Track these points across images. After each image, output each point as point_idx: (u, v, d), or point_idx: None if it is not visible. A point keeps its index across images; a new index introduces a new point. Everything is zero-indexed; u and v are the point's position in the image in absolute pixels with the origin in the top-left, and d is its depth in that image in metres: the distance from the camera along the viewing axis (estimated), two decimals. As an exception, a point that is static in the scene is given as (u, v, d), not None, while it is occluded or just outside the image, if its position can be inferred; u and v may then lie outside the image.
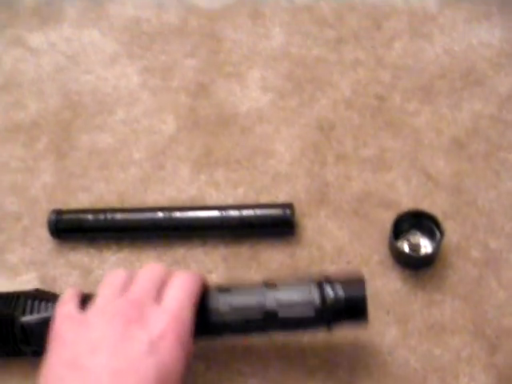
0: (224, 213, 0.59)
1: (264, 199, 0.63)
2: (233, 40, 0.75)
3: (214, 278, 0.59)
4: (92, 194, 0.66)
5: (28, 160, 0.70)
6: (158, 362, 0.38)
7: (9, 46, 0.81)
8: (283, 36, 0.75)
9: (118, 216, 0.61)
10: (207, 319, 0.45)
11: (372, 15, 0.76)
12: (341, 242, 0.59)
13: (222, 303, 0.46)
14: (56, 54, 0.78)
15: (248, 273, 0.58)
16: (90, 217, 0.62)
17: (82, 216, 0.62)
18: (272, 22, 0.76)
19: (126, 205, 0.64)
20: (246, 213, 0.59)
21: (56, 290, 0.59)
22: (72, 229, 0.63)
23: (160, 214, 0.61)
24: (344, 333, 0.51)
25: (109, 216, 0.61)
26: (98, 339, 0.40)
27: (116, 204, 0.65)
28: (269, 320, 0.45)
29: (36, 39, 0.81)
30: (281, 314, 0.45)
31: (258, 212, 0.59)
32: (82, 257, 0.62)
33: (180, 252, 0.61)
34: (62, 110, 0.73)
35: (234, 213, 0.59)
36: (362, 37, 0.74)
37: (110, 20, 0.80)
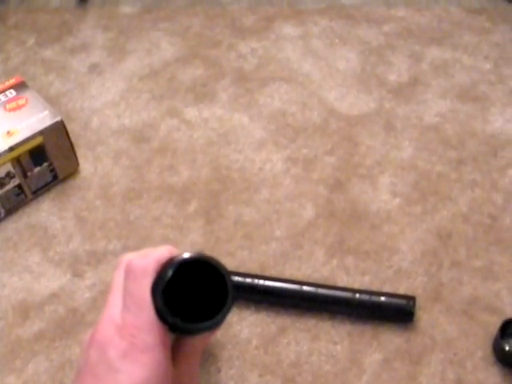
0: (357, 295, 0.80)
1: (386, 289, 0.83)
2: (367, 145, 0.98)
3: (339, 349, 0.79)
4: (235, 259, 0.87)
5: (179, 219, 0.92)
6: None
7: (166, 115, 1.05)
8: (411, 150, 0.98)
9: (263, 282, 0.83)
10: None
11: (490, 143, 0.99)
12: (450, 336, 0.79)
13: None
14: (208, 130, 1.02)
15: (369, 350, 0.79)
16: (237, 278, 0.83)
17: (230, 276, 0.84)
18: (402, 135, 1.00)
19: (266, 274, 0.85)
20: (374, 298, 0.80)
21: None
22: (220, 286, 0.84)
23: (298, 287, 0.82)
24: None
25: (255, 281, 0.83)
26: None
27: (256, 272, 0.86)
28: None
29: (190, 113, 1.05)
30: None
31: (385, 299, 0.80)
32: (224, 311, 0.83)
33: (311, 322, 0.81)
34: (212, 180, 0.96)
35: (364, 296, 0.80)
36: (480, 161, 0.97)
37: (259, 108, 1.04)
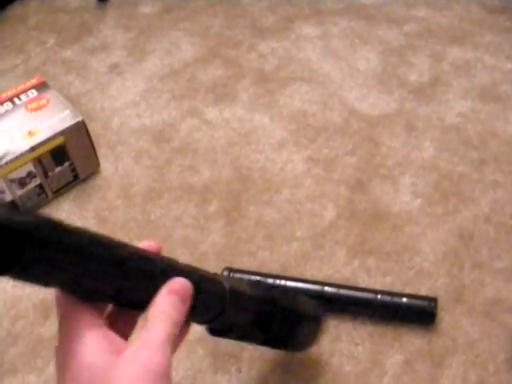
0: (378, 296, 0.80)
1: (408, 290, 0.83)
2: (389, 146, 0.98)
3: (360, 350, 0.79)
4: (256, 259, 0.88)
5: (200, 219, 0.92)
6: None
7: (186, 115, 1.05)
8: (433, 150, 0.98)
9: (284, 282, 0.83)
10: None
11: (512, 143, 0.99)
12: (471, 338, 0.79)
13: None
14: (229, 130, 1.02)
15: (390, 351, 0.79)
16: (258, 278, 0.84)
17: (251, 277, 0.84)
18: (424, 136, 1.00)
19: (287, 274, 0.86)
20: (396, 299, 0.80)
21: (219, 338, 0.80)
22: (241, 286, 0.84)
23: (320, 287, 0.82)
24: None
25: (276, 281, 0.83)
26: None
27: (277, 272, 0.86)
28: None
29: (211, 113, 1.05)
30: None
31: (407, 300, 0.80)
32: (245, 311, 0.83)
33: (333, 323, 0.81)
34: (233, 180, 0.96)
35: (385, 297, 0.80)
36: (502, 161, 0.97)
37: (280, 109, 1.04)
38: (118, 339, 0.44)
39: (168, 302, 0.47)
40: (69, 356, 0.42)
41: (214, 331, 0.59)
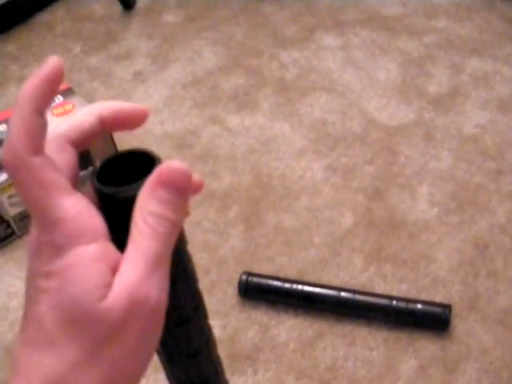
0: (394, 302, 0.83)
1: (423, 297, 0.86)
2: (407, 156, 1.01)
3: (375, 355, 0.81)
4: (275, 264, 0.90)
5: (219, 224, 0.96)
6: None
7: (208, 122, 1.09)
8: (450, 160, 1.00)
9: (302, 287, 0.86)
10: None
11: (529, 155, 1.01)
12: (485, 345, 0.82)
13: None
14: (250, 138, 1.06)
15: (404, 356, 0.81)
16: (276, 283, 0.86)
17: (269, 281, 0.87)
18: (442, 146, 1.02)
19: (304, 280, 0.88)
20: (411, 305, 0.83)
21: (236, 340, 0.83)
22: (259, 290, 0.87)
23: (336, 293, 0.85)
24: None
25: (294, 286, 0.86)
26: None
27: (295, 278, 0.89)
28: None
29: (233, 121, 1.08)
30: None
31: (422, 307, 0.82)
32: (262, 316, 0.86)
33: (348, 327, 0.84)
34: (253, 187, 0.99)
35: (401, 304, 0.83)
36: (519, 173, 0.99)
37: (300, 118, 1.08)
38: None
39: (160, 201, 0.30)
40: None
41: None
